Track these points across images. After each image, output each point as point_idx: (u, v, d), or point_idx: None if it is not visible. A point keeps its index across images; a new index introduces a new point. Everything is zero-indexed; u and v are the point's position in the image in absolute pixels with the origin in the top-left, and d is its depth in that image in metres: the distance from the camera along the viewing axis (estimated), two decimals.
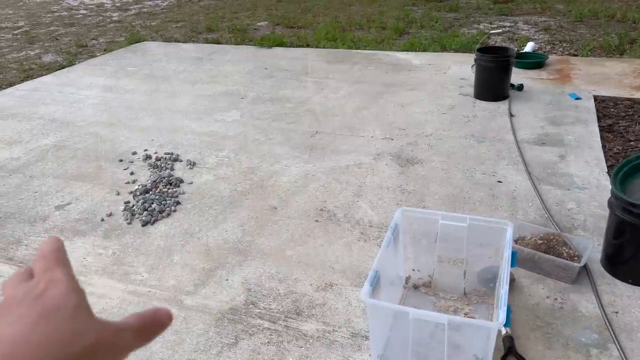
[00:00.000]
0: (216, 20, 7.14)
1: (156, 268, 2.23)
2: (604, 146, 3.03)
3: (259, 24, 6.87)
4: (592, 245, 2.04)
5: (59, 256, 0.37)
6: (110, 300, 2.06)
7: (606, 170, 2.77)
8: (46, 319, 0.32)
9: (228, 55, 5.40)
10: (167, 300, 2.04)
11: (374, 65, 4.76)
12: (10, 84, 4.89)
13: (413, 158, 3.02)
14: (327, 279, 2.10)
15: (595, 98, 3.70)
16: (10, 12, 8.96)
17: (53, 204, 2.78)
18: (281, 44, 5.64)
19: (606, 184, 2.61)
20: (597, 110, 3.51)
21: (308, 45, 5.60)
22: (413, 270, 2.01)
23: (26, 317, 0.32)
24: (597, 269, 2.05)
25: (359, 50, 5.29)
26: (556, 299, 1.92)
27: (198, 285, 2.11)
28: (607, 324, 1.78)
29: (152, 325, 0.37)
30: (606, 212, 2.04)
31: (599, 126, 3.28)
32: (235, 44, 5.84)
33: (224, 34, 6.38)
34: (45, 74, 5.13)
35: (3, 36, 7.10)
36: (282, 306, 1.97)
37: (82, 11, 8.63)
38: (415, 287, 2.01)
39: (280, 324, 1.89)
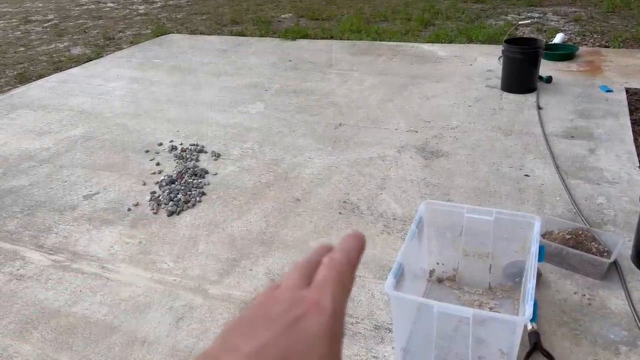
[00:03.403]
0: (241, 13, 7.16)
1: (181, 257, 2.26)
2: (635, 140, 2.95)
3: (283, 16, 6.87)
4: (622, 241, 1.99)
5: (343, 271, 0.31)
6: (137, 288, 2.10)
7: (638, 164, 2.69)
8: (292, 352, 0.27)
9: (252, 47, 5.41)
10: (192, 290, 2.06)
11: (398, 57, 4.71)
12: (41, 76, 5.00)
13: (438, 151, 2.99)
14: None
15: (627, 90, 3.60)
16: (40, 5, 9.14)
17: (81, 193, 2.84)
18: (305, 36, 5.62)
19: (638, 178, 2.55)
20: (629, 103, 3.41)
21: (332, 37, 5.57)
22: (437, 263, 1.99)
23: (271, 345, 0.28)
24: (628, 265, 2.00)
25: (383, 42, 5.24)
26: (584, 295, 1.88)
27: (222, 275, 2.14)
28: (637, 321, 1.74)
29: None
30: (637, 208, 1.99)
31: (631, 119, 3.19)
32: (260, 36, 5.85)
33: (248, 26, 6.39)
34: (74, 66, 5.23)
35: (33, 29, 7.25)
36: None
37: (110, 4, 8.75)
38: (440, 280, 1.99)
39: None
